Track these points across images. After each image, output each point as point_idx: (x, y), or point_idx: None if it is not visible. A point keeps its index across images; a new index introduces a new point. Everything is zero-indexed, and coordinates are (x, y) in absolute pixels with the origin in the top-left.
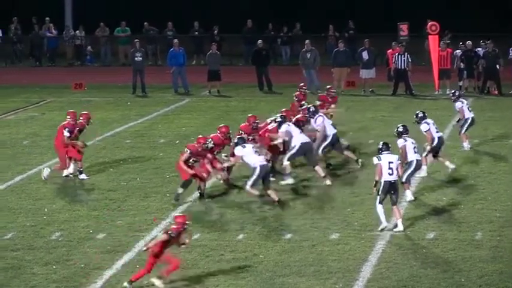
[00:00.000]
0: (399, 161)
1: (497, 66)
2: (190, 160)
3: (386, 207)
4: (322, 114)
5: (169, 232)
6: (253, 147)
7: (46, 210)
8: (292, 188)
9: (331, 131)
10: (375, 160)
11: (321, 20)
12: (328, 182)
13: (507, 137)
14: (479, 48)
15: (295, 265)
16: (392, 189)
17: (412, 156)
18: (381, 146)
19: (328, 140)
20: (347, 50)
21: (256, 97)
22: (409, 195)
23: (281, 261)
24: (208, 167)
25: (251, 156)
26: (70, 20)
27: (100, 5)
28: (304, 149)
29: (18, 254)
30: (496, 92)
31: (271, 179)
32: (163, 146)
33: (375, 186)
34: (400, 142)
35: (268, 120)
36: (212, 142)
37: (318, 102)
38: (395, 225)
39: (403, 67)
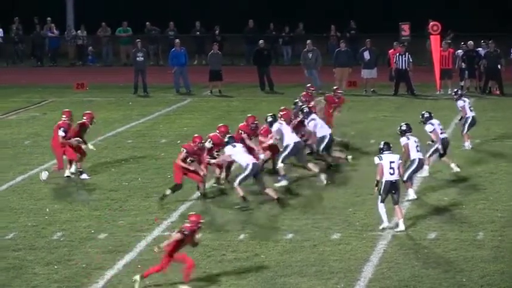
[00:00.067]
0: (400, 161)
1: (499, 66)
2: (188, 160)
3: (388, 206)
4: (315, 117)
5: (183, 231)
6: (243, 147)
7: (47, 210)
8: (293, 188)
9: (327, 131)
10: (376, 160)
11: (323, 20)
12: (323, 177)
13: (509, 137)
14: (480, 48)
15: (296, 265)
16: (393, 189)
17: (414, 155)
18: (382, 146)
19: (326, 140)
20: (349, 50)
21: (258, 97)
22: (411, 193)
23: (282, 261)
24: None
25: (242, 155)
26: (72, 20)
27: (102, 5)
28: (297, 148)
29: (19, 254)
30: (498, 92)
31: (282, 182)
32: (165, 146)
33: (376, 186)
34: (403, 140)
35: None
36: (211, 142)
37: (323, 101)
38: (397, 225)
39: (403, 67)
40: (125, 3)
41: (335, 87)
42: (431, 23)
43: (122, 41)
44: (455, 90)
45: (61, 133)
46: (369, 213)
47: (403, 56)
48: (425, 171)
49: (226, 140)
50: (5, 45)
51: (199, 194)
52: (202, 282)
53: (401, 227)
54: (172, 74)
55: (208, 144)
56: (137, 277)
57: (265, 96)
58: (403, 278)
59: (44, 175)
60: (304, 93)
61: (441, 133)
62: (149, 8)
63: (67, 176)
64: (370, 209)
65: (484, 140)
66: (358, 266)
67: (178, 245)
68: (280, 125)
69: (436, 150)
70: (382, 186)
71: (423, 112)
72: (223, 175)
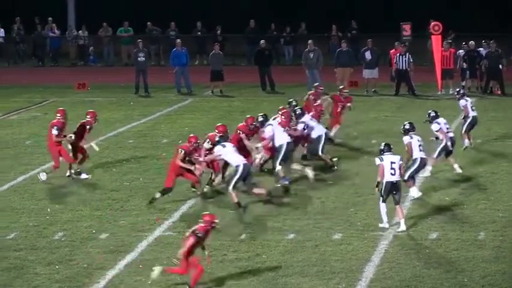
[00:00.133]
0: (401, 161)
1: (500, 67)
2: (185, 159)
3: (390, 206)
4: (306, 119)
5: (196, 233)
6: (233, 147)
7: (49, 210)
8: (294, 188)
9: (322, 131)
10: (377, 161)
11: (324, 20)
12: (311, 174)
13: (510, 137)
14: (481, 48)
15: (298, 265)
16: (394, 189)
17: (417, 154)
18: (382, 147)
19: (322, 140)
20: (350, 50)
21: (259, 97)
22: (415, 191)
23: (284, 261)
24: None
25: (232, 155)
26: (73, 20)
27: (103, 5)
28: (290, 148)
29: (21, 254)
30: (499, 92)
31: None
32: (166, 146)
33: (377, 186)
34: (406, 139)
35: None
36: (210, 142)
37: (329, 100)
38: (398, 225)
39: (404, 67)
40: (126, 3)
41: (341, 87)
42: (432, 23)
43: (123, 41)
44: (458, 89)
45: (54, 132)
46: (370, 213)
47: (404, 56)
48: (427, 172)
49: (216, 139)
50: (6, 45)
51: (199, 194)
52: (204, 282)
53: (403, 227)
54: (173, 74)
55: (207, 145)
56: (158, 269)
57: (267, 96)
58: (404, 278)
59: (43, 176)
60: (313, 91)
61: (447, 132)
62: (150, 8)
63: (68, 176)
64: (372, 209)
65: (485, 140)
66: (360, 266)
67: (193, 248)
68: (271, 127)
69: (444, 148)
70: (383, 187)
71: (429, 111)
72: (218, 179)
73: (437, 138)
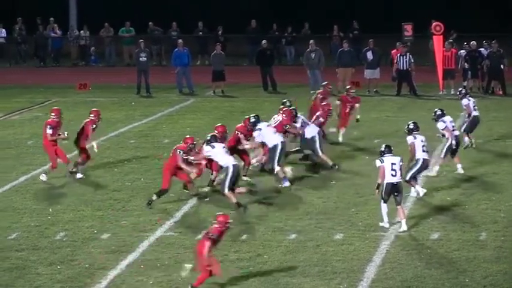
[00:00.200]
0: (402, 162)
1: (502, 67)
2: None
3: (391, 207)
4: (299, 120)
5: (210, 235)
6: (223, 147)
7: (50, 210)
8: (295, 189)
9: (315, 131)
10: (378, 163)
11: (326, 20)
12: (289, 173)
13: (511, 137)
14: (482, 49)
15: (299, 265)
16: (395, 191)
17: (419, 155)
18: (383, 149)
19: (318, 139)
20: (351, 50)
21: (261, 97)
22: (419, 190)
23: (285, 261)
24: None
25: (221, 156)
26: (74, 20)
27: (104, 5)
28: (283, 148)
29: (22, 254)
30: (501, 92)
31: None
32: (168, 146)
33: (377, 188)
34: (410, 139)
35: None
36: None
37: (337, 102)
38: (400, 225)
39: (405, 68)
40: (128, 4)
41: (348, 87)
42: (434, 24)
43: (125, 41)
44: (460, 89)
45: (49, 131)
46: (372, 214)
47: (404, 56)
48: (434, 171)
49: (208, 138)
50: (8, 46)
51: (192, 194)
52: (205, 282)
53: (404, 227)
54: (175, 74)
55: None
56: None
57: (268, 96)
58: (405, 278)
59: (43, 177)
60: (322, 90)
61: (453, 130)
62: (152, 8)
63: (70, 172)
64: (373, 209)
65: (487, 140)
66: (361, 266)
67: (209, 251)
68: (258, 132)
69: (449, 147)
70: (384, 188)
71: (436, 109)
72: (218, 179)
73: (443, 135)
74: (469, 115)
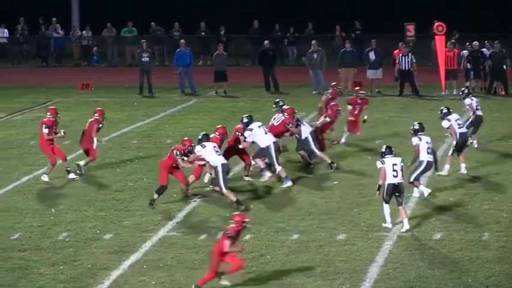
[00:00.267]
0: (402, 163)
1: (504, 67)
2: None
3: (394, 207)
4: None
5: (228, 234)
6: (214, 147)
7: (53, 210)
8: (298, 189)
9: (307, 131)
10: (379, 164)
11: (328, 20)
12: (270, 178)
13: None
14: (484, 49)
15: (302, 266)
16: (397, 191)
17: (424, 156)
18: (384, 150)
19: (311, 140)
20: (354, 51)
21: (263, 97)
22: (424, 190)
23: (288, 261)
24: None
25: (211, 155)
26: (77, 20)
27: (107, 5)
28: (275, 148)
29: (25, 254)
30: (503, 93)
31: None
32: (170, 147)
33: (378, 190)
34: (415, 140)
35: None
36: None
37: (350, 107)
38: (402, 224)
39: (407, 68)
40: (130, 4)
41: (357, 88)
42: (436, 24)
43: (127, 41)
44: (462, 89)
45: (44, 130)
46: (374, 214)
47: (406, 56)
48: (445, 170)
49: (199, 137)
50: (10, 46)
51: (184, 195)
52: (208, 282)
53: (406, 225)
54: (177, 74)
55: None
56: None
57: (271, 96)
58: (408, 278)
59: (45, 178)
60: (331, 90)
61: (459, 127)
62: (154, 8)
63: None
64: (376, 209)
65: (489, 140)
66: (364, 267)
67: (231, 248)
68: (250, 132)
69: (456, 146)
70: (385, 189)
71: (442, 107)
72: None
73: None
74: (473, 113)
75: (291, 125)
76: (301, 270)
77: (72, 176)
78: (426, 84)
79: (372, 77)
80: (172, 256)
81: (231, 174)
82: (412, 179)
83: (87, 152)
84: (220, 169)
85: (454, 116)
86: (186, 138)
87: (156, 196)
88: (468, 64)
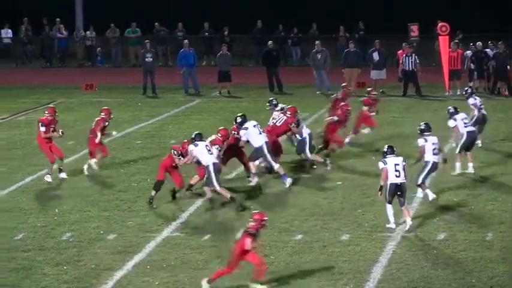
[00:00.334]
0: (404, 162)
1: (508, 67)
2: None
3: (397, 207)
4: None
5: (250, 232)
6: (206, 146)
7: (57, 210)
8: (302, 189)
9: (306, 133)
10: (381, 164)
11: (332, 21)
12: (255, 179)
13: None
14: (488, 49)
15: (305, 266)
16: (399, 191)
17: (429, 157)
18: (385, 150)
19: (307, 141)
20: (357, 51)
21: (267, 98)
22: (429, 194)
23: (292, 262)
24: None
25: (203, 154)
26: (80, 20)
27: (110, 5)
28: (268, 148)
29: (29, 254)
30: (507, 93)
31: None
32: None
33: (380, 190)
34: (421, 141)
35: (271, 123)
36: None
37: (365, 108)
38: (405, 224)
39: (410, 68)
40: (134, 4)
41: (369, 89)
42: (440, 24)
43: (131, 41)
44: (466, 88)
45: (41, 128)
46: (378, 214)
47: (410, 57)
48: (457, 168)
49: (192, 136)
50: (14, 46)
51: (173, 194)
52: (212, 283)
53: (409, 223)
54: (181, 74)
55: (215, 150)
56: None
57: (274, 97)
58: (412, 279)
59: (48, 178)
60: (342, 91)
61: (466, 126)
62: (158, 8)
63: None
64: (379, 210)
65: (493, 140)
66: (368, 267)
67: (253, 246)
68: (245, 131)
69: (463, 144)
70: (388, 189)
71: (449, 107)
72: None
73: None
74: (478, 112)
75: (293, 124)
76: (304, 271)
77: (63, 175)
78: (430, 84)
79: (375, 77)
80: (176, 256)
81: (233, 174)
82: (419, 181)
83: (91, 152)
84: (211, 168)
85: (460, 116)
86: (185, 140)
87: (153, 193)
88: (472, 64)
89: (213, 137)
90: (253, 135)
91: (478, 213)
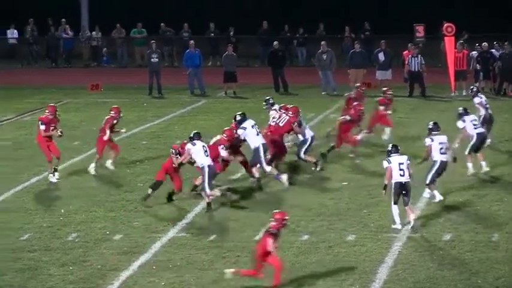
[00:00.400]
0: (409, 161)
1: None
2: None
3: (402, 208)
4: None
5: (271, 231)
6: (203, 146)
7: (63, 211)
8: (308, 189)
9: (309, 134)
10: (385, 163)
11: (337, 21)
12: (254, 181)
13: None
14: (493, 50)
15: (311, 266)
16: (403, 190)
17: (436, 157)
18: (390, 149)
19: (308, 143)
20: (363, 51)
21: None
22: (436, 195)
23: (298, 262)
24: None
25: (199, 155)
26: (86, 21)
27: (116, 6)
28: (264, 149)
29: (35, 255)
30: None
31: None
32: None
33: (384, 189)
34: (427, 141)
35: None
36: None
37: (381, 108)
38: (409, 223)
39: (416, 69)
40: (140, 5)
41: (384, 88)
42: (445, 25)
43: (137, 42)
44: (472, 87)
45: (41, 127)
46: (384, 215)
47: (416, 58)
48: (470, 169)
49: (191, 135)
50: (20, 47)
51: (168, 195)
52: (217, 283)
53: (412, 220)
54: (186, 75)
55: (223, 152)
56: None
57: (280, 97)
58: (418, 279)
59: (52, 178)
60: (356, 91)
61: (475, 128)
62: (164, 9)
63: (54, 170)
64: (385, 210)
65: (499, 141)
66: (373, 268)
67: (274, 246)
68: (243, 131)
69: (473, 146)
70: (393, 188)
71: (459, 108)
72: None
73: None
74: (484, 111)
75: (295, 123)
76: (310, 271)
77: (54, 178)
78: (436, 85)
79: (381, 77)
80: (181, 257)
81: (239, 175)
82: (428, 181)
83: (99, 151)
84: (206, 170)
85: (470, 117)
86: (185, 141)
87: (150, 191)
88: (477, 65)
89: (218, 137)
90: (251, 136)
91: (484, 214)
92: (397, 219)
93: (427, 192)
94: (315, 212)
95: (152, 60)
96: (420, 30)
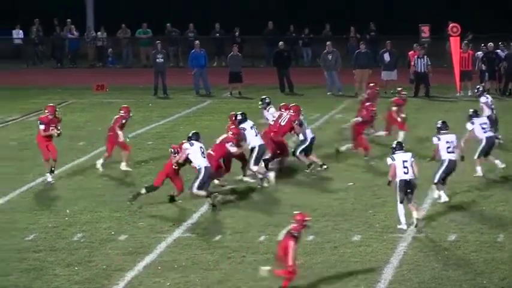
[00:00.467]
0: (413, 159)
1: None
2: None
3: (408, 208)
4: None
5: (292, 233)
6: (201, 148)
7: (68, 211)
8: (313, 190)
9: (309, 135)
10: (389, 161)
11: (343, 21)
12: (272, 177)
13: None
14: (499, 50)
15: (317, 267)
16: (408, 188)
17: (445, 156)
18: (394, 146)
19: (306, 143)
20: (368, 52)
21: (278, 99)
22: (442, 196)
23: (303, 263)
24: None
25: (196, 156)
26: (91, 21)
27: (121, 6)
28: (263, 151)
29: (40, 255)
30: None
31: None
32: None
33: (389, 185)
34: (434, 140)
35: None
36: (232, 143)
37: (394, 108)
38: (413, 221)
39: (422, 70)
40: (145, 5)
41: (399, 89)
42: (450, 25)
43: (142, 42)
44: (478, 86)
45: (41, 126)
46: (389, 215)
47: (422, 59)
48: (478, 172)
49: (189, 135)
50: (25, 47)
51: (170, 197)
52: (222, 283)
53: (415, 216)
54: (192, 75)
55: (232, 148)
56: (265, 270)
57: (285, 97)
58: (423, 280)
59: (49, 178)
60: (370, 90)
61: (485, 132)
62: (169, 9)
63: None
64: (390, 210)
65: (504, 141)
66: (379, 268)
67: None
68: (244, 130)
69: (482, 150)
70: (398, 186)
71: (470, 110)
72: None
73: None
74: (490, 111)
75: (296, 121)
76: (316, 272)
77: (50, 179)
78: (441, 85)
79: (386, 78)
80: (187, 257)
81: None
82: (436, 180)
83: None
84: (203, 171)
85: (479, 120)
86: (184, 141)
87: (143, 191)
88: (483, 65)
89: (224, 135)
90: (250, 136)
91: (489, 214)
92: (402, 219)
93: (436, 193)
94: (320, 213)
95: (157, 60)
96: (426, 31)
